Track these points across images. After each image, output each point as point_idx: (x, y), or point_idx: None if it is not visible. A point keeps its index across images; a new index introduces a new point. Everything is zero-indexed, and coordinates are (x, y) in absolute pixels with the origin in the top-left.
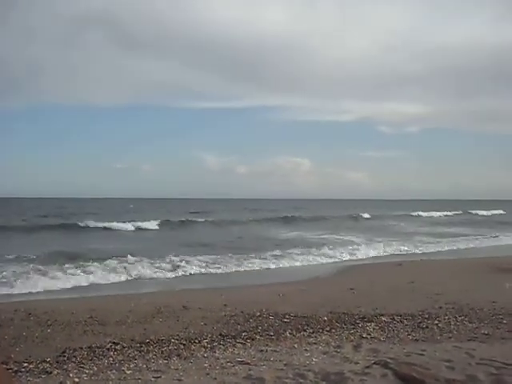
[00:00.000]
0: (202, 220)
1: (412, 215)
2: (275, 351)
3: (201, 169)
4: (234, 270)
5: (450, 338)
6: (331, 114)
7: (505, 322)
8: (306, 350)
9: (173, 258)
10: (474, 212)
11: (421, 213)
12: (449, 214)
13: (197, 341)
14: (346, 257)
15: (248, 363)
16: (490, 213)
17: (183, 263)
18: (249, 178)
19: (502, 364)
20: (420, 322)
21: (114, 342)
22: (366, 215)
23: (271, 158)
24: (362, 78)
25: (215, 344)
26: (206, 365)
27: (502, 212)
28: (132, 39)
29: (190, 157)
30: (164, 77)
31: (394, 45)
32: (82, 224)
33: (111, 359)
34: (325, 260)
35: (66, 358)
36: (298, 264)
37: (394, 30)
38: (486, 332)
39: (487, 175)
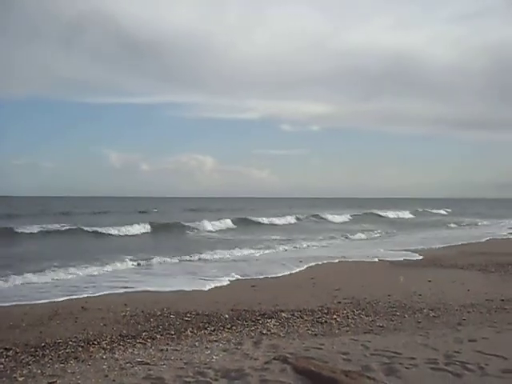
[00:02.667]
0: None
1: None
2: (176, 350)
3: (103, 166)
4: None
5: (348, 331)
6: (235, 112)
7: (398, 314)
8: (206, 347)
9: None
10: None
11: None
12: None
13: (96, 342)
14: (251, 255)
15: (148, 363)
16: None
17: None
18: (153, 176)
19: (394, 353)
20: (319, 317)
21: (5, 348)
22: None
23: (176, 155)
24: (266, 76)
25: (115, 345)
26: (104, 366)
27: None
28: (35, 30)
29: (92, 153)
30: (67, 71)
31: (299, 45)
32: None
33: (2, 366)
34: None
35: None
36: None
37: (299, 31)
38: (381, 324)
39: (385, 174)
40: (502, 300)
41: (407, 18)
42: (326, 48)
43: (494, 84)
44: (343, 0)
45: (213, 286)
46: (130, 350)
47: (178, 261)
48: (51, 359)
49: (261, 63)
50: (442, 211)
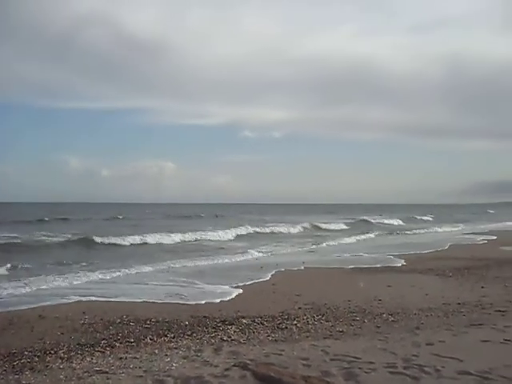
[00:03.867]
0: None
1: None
2: (135, 358)
3: (62, 171)
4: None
5: (308, 337)
6: (197, 118)
7: (358, 318)
8: (166, 355)
9: None
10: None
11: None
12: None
13: (53, 352)
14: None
15: (106, 372)
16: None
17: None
18: (113, 181)
19: (354, 358)
20: (280, 323)
21: None
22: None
23: (137, 161)
24: (228, 82)
25: (72, 354)
26: (61, 376)
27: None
28: None
29: (50, 158)
30: (24, 74)
31: (261, 51)
32: None
33: None
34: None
35: None
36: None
37: (261, 38)
38: (341, 329)
39: (346, 180)
40: (459, 303)
41: (368, 26)
42: (288, 55)
43: (452, 92)
44: (305, 8)
45: (176, 293)
46: (88, 359)
47: (148, 270)
48: (5, 370)
49: (223, 69)
50: (429, 218)
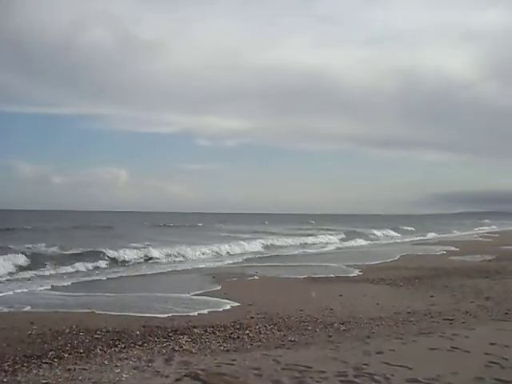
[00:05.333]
0: None
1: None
2: (84, 369)
3: (12, 177)
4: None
5: (260, 346)
6: (152, 126)
7: (309, 328)
8: (116, 366)
9: None
10: None
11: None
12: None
13: None
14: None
15: None
16: None
17: None
18: (65, 189)
19: (305, 367)
20: (232, 333)
21: None
22: None
23: (90, 168)
24: (184, 91)
25: (18, 366)
26: None
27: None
28: None
29: None
30: None
31: (217, 61)
32: None
33: None
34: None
35: None
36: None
37: (218, 48)
38: (293, 339)
39: (299, 189)
40: (409, 312)
41: (324, 38)
42: (244, 65)
43: (406, 105)
44: (261, 19)
45: (127, 301)
46: (34, 371)
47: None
48: None
49: (179, 78)
50: (412, 228)
